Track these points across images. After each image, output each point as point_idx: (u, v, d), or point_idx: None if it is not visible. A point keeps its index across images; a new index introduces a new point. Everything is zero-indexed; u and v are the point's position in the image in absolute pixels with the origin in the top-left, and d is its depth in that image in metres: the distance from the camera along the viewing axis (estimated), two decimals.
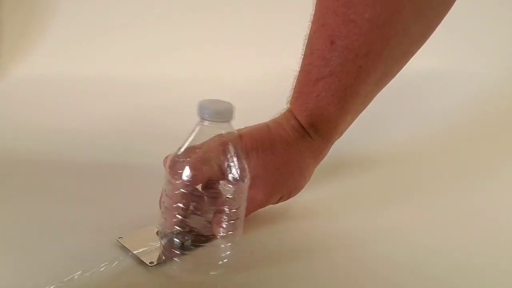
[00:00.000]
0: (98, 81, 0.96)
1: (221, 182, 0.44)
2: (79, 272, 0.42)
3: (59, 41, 1.05)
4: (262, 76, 0.90)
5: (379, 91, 0.51)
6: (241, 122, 0.53)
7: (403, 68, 0.52)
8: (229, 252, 0.45)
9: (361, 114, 0.54)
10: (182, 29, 1.02)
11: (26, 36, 1.05)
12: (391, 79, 0.51)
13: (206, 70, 0.95)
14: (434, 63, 0.85)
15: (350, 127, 0.54)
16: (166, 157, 0.50)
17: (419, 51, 0.50)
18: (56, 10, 1.06)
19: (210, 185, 0.46)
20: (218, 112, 0.41)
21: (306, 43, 0.49)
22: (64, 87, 0.94)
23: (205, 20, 1.02)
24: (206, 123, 0.42)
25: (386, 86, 0.52)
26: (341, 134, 0.53)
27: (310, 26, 0.48)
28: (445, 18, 0.48)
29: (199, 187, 0.47)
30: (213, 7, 1.02)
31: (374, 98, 0.53)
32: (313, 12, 0.48)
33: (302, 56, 0.50)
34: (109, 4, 1.05)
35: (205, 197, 0.46)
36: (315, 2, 0.47)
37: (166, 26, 1.02)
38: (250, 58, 0.96)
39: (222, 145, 0.49)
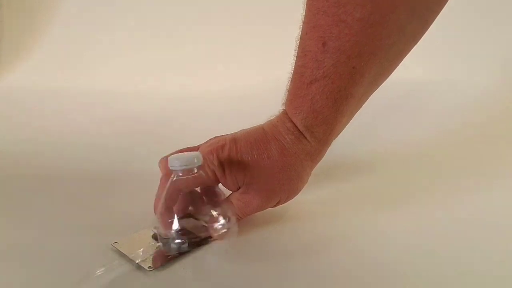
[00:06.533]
0: (97, 90, 0.97)
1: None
2: (75, 280, 0.42)
3: (56, 49, 1.06)
4: (257, 78, 0.90)
5: (373, 91, 0.50)
6: (237, 125, 0.53)
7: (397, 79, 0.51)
8: (227, 253, 0.46)
9: (357, 118, 0.53)
10: (180, 36, 1.03)
11: (24, 42, 1.07)
12: (386, 79, 0.49)
13: (203, 76, 0.95)
14: (420, 73, 0.89)
15: (347, 130, 0.53)
16: (162, 159, 0.50)
17: (405, 61, 0.49)
18: (54, 17, 1.08)
19: (208, 188, 0.46)
20: (186, 160, 0.45)
21: (298, 43, 0.48)
22: (62, 95, 0.95)
23: (202, 27, 1.02)
24: (178, 173, 0.45)
25: (382, 91, 0.51)
26: (337, 135, 0.52)
27: (302, 26, 0.47)
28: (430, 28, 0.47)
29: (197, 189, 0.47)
30: (209, 14, 1.02)
31: (371, 102, 0.52)
32: (304, 13, 0.47)
33: (295, 57, 0.49)
34: (105, 14, 1.06)
35: (203, 200, 0.46)
36: (306, 2, 0.46)
37: (163, 37, 1.04)
38: (245, 62, 0.96)
39: (216, 149, 0.49)
